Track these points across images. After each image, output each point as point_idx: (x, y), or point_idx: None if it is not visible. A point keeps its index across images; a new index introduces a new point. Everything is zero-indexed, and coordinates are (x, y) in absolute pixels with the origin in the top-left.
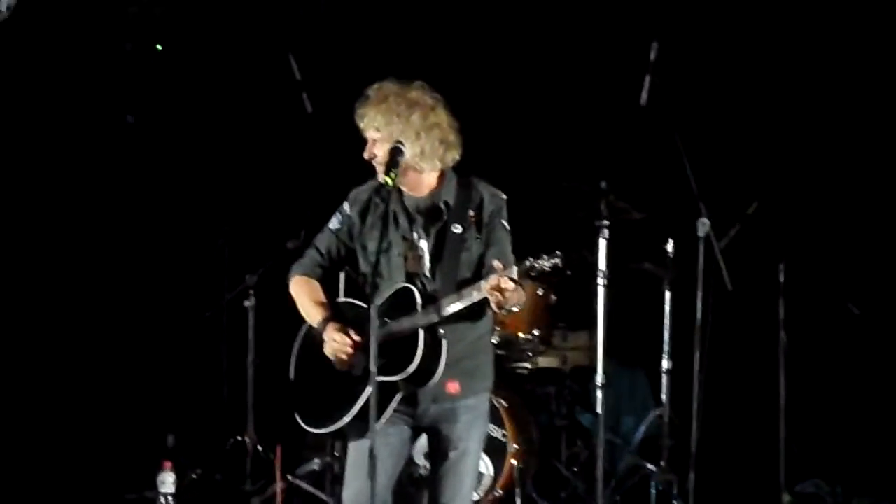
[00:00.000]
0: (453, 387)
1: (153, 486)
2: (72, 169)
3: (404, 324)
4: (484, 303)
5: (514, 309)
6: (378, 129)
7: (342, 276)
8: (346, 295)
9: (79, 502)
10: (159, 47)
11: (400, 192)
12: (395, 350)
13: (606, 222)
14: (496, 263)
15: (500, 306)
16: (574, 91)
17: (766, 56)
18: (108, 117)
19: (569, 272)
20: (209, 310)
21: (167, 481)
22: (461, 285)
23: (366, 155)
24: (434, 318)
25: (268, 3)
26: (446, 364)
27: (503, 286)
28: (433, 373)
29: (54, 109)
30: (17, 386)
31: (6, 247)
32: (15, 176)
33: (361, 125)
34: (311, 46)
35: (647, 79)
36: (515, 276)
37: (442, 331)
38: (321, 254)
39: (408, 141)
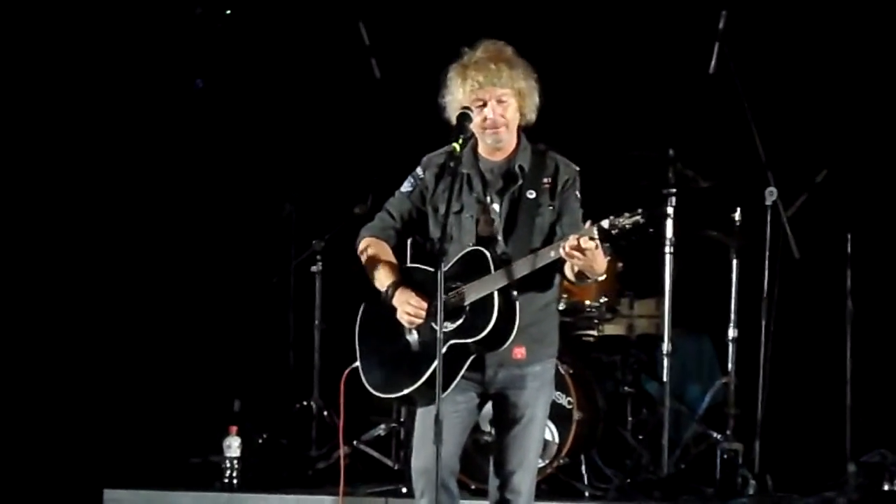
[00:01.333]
0: (520, 352)
1: (219, 451)
2: (143, 133)
3: (477, 287)
4: (554, 269)
5: (600, 278)
6: (514, 87)
7: (409, 242)
8: (413, 261)
9: (145, 466)
10: (229, 12)
11: (476, 155)
12: (469, 313)
13: (674, 190)
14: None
15: (580, 273)
16: (643, 59)
17: (835, 24)
18: (178, 82)
19: (651, 230)
20: (276, 275)
21: (233, 445)
22: (532, 251)
23: (489, 116)
24: (510, 280)
25: None
26: (517, 329)
27: (584, 245)
28: (507, 336)
29: (126, 73)
30: (88, 352)
31: (78, 213)
32: (87, 139)
33: (495, 83)
34: (381, 12)
35: (716, 47)
36: (596, 235)
37: (515, 293)
38: (392, 217)
39: (532, 97)
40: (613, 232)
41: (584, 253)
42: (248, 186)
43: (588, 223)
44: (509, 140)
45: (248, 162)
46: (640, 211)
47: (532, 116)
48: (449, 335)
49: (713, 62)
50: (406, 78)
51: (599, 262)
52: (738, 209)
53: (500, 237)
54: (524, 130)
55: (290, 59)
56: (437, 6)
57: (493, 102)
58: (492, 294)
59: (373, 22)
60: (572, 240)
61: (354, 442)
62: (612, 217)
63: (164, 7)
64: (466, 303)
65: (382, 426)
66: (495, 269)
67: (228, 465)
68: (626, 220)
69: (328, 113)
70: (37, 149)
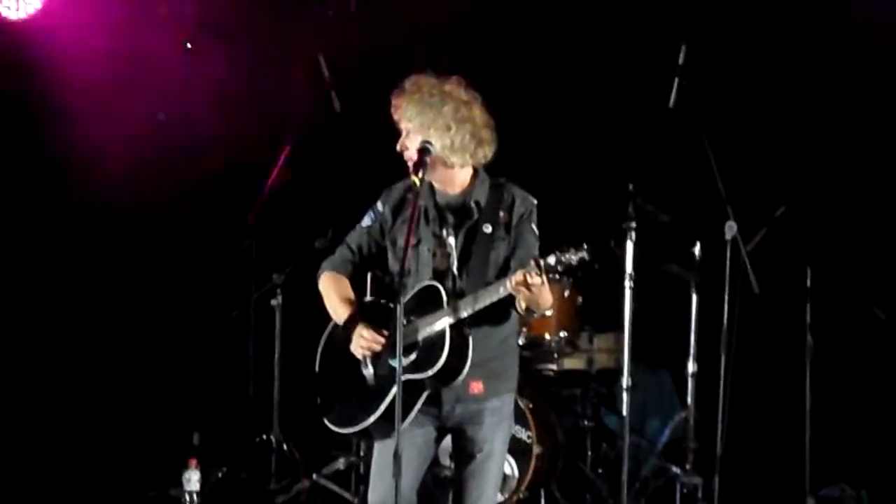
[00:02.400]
0: (477, 387)
1: (178, 484)
2: (101, 167)
3: (430, 321)
4: (509, 303)
5: (546, 313)
6: (410, 120)
7: (369, 277)
8: (373, 294)
9: (104, 499)
10: (189, 45)
11: (433, 189)
12: (422, 348)
13: (634, 224)
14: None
15: (528, 307)
16: (602, 93)
17: (794, 59)
18: (139, 115)
19: (596, 266)
20: (236, 308)
21: (192, 479)
22: (487, 285)
23: (398, 147)
24: (460, 316)
25: (298, 4)
26: (471, 364)
27: (530, 281)
28: (459, 371)
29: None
30: (43, 383)
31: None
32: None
33: (395, 116)
34: (341, 46)
35: (676, 81)
36: (542, 271)
37: (468, 329)
38: (352, 251)
39: (438, 132)
40: (559, 268)
41: (530, 288)
42: (209, 219)
43: (531, 259)
44: (450, 175)
45: (208, 194)
46: (585, 247)
47: (450, 155)
48: (403, 370)
49: (673, 96)
50: (367, 111)
51: (545, 297)
52: (698, 243)
53: (455, 271)
54: (484, 166)
55: (250, 92)
56: (396, 40)
57: (403, 134)
58: (444, 329)
59: (333, 56)
60: (518, 275)
61: (314, 476)
62: (557, 253)
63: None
64: (419, 338)
65: (342, 460)
66: (447, 304)
67: (188, 498)
68: (571, 256)
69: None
70: None
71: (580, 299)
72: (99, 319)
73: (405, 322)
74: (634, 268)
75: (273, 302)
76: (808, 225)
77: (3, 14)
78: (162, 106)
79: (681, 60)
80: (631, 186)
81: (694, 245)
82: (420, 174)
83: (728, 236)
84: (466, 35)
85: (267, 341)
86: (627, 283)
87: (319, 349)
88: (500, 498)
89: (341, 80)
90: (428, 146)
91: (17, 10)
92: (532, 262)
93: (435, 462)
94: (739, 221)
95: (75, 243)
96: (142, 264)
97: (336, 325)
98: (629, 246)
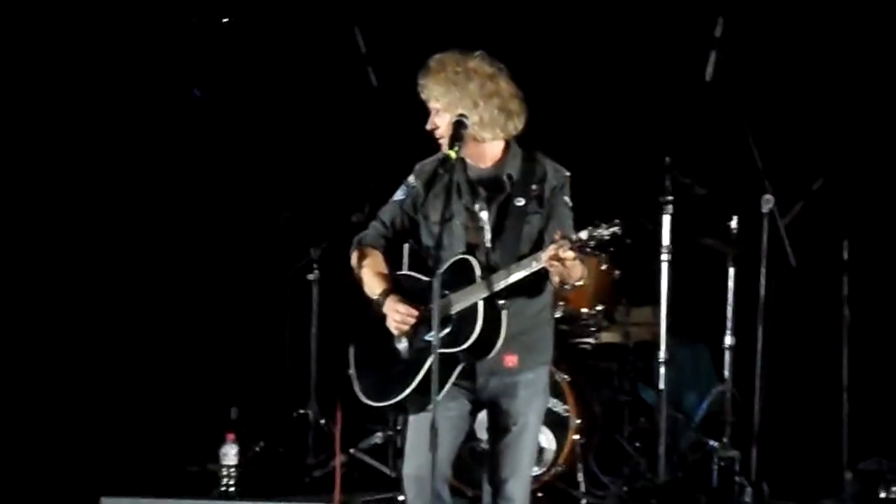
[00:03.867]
0: (511, 360)
1: (216, 459)
2: (141, 142)
3: (463, 295)
4: (544, 276)
5: (577, 283)
6: (437, 100)
7: (406, 248)
8: (410, 267)
9: (143, 474)
10: (226, 20)
11: (464, 163)
12: (455, 322)
13: (670, 198)
14: (555, 235)
15: (561, 280)
16: (639, 66)
17: (833, 31)
18: (176, 91)
19: (628, 241)
20: (273, 283)
21: (230, 454)
22: (521, 258)
23: (427, 126)
24: (493, 290)
25: None
26: (505, 337)
27: (562, 255)
28: (493, 344)
29: (124, 82)
30: (84, 358)
31: (74, 219)
32: (86, 147)
33: (423, 96)
34: (377, 19)
35: (713, 54)
36: (574, 246)
37: (502, 302)
38: (385, 225)
39: (467, 110)
40: (591, 243)
41: (563, 263)
42: (246, 194)
43: (558, 234)
44: (482, 149)
45: (246, 170)
46: (617, 222)
47: (480, 130)
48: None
49: (709, 69)
50: (403, 86)
51: (578, 271)
52: (735, 217)
53: (487, 245)
54: (517, 139)
55: (287, 67)
56: (433, 14)
57: (432, 113)
58: (477, 303)
59: (369, 29)
60: (551, 250)
61: (351, 450)
62: (590, 228)
63: (161, 16)
64: (452, 311)
65: (379, 434)
66: (481, 278)
67: (225, 473)
68: (604, 231)
69: (325, 121)
70: (32, 156)
71: (617, 273)
72: (137, 295)
73: (439, 295)
74: (671, 241)
75: (310, 276)
76: (845, 198)
77: None
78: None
79: (718, 33)
80: (668, 160)
81: (731, 218)
82: (455, 148)
83: (765, 209)
84: (500, 7)
85: (304, 316)
86: (664, 257)
87: (354, 324)
88: (536, 471)
89: (377, 53)
90: (463, 120)
91: None
92: (564, 238)
93: (471, 436)
94: (776, 194)
95: (113, 219)
96: (180, 240)
97: (370, 300)
98: (666, 219)
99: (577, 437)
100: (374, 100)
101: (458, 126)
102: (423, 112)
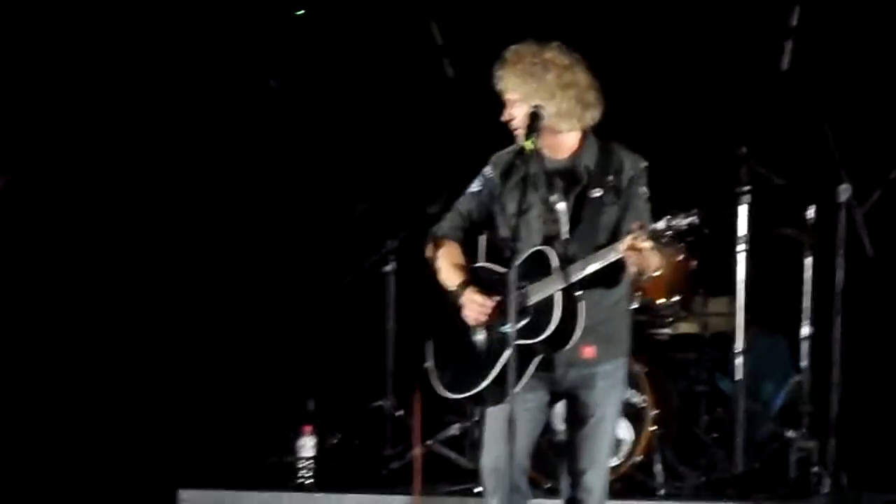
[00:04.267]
0: (589, 351)
1: (293, 451)
2: (219, 132)
3: (540, 286)
4: (621, 267)
5: (655, 273)
6: (514, 91)
7: (482, 240)
8: (486, 258)
9: (220, 466)
10: (301, 12)
11: (541, 154)
12: (533, 313)
13: (747, 188)
14: (633, 225)
15: (639, 270)
16: (715, 55)
17: None
18: (253, 81)
19: (706, 231)
20: (350, 274)
21: (307, 445)
22: (598, 250)
23: (503, 117)
24: (570, 281)
25: None
26: (583, 328)
27: (639, 246)
28: (571, 336)
29: (199, 73)
30: (166, 349)
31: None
32: (162, 136)
33: (499, 87)
34: (453, 11)
35: (789, 43)
36: (652, 235)
37: (579, 293)
38: (461, 216)
39: (543, 101)
40: (668, 232)
41: (641, 252)
42: (323, 186)
43: (635, 225)
44: (558, 140)
45: (323, 161)
46: (695, 211)
47: (557, 122)
48: (515, 335)
49: (785, 58)
50: (479, 77)
51: (655, 261)
52: (812, 206)
53: (564, 236)
54: (593, 129)
55: (363, 58)
56: (509, 5)
57: (508, 105)
58: (554, 294)
59: (445, 21)
60: (628, 240)
61: (428, 442)
62: (667, 217)
63: (238, 8)
64: (530, 303)
65: (456, 425)
66: (558, 269)
67: (302, 465)
68: (681, 221)
69: (401, 112)
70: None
71: (693, 263)
72: (220, 288)
73: (517, 287)
74: (748, 231)
75: (386, 268)
76: None
77: None
78: (274, 72)
79: (794, 21)
80: (744, 150)
81: (808, 208)
82: (532, 139)
83: (842, 199)
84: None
85: (380, 308)
86: (741, 247)
87: (431, 316)
88: (614, 462)
89: (453, 45)
90: (539, 111)
91: None
92: (641, 228)
93: (548, 427)
94: (853, 184)
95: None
96: (257, 232)
97: (448, 291)
98: (742, 209)
99: (654, 427)
100: (451, 91)
101: (535, 117)
102: (499, 103)
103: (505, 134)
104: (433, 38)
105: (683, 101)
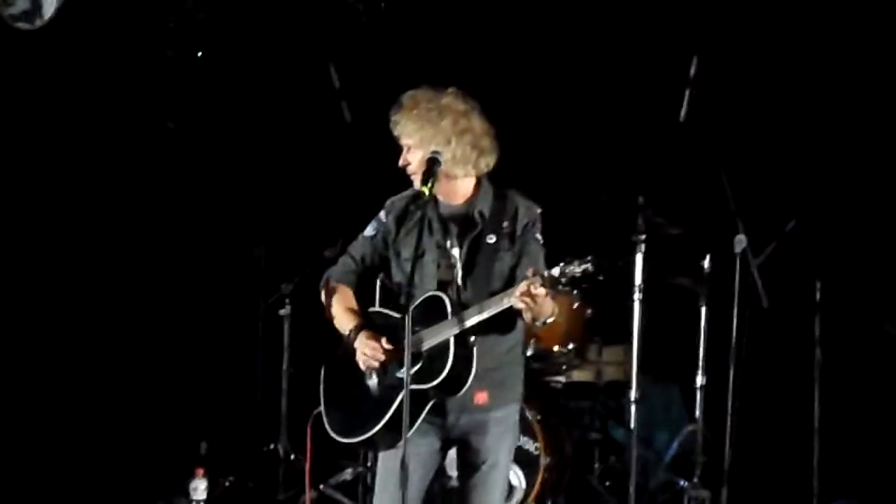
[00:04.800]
0: (482, 397)
1: (186, 493)
2: (111, 174)
3: (434, 332)
4: (515, 313)
5: (549, 320)
6: (410, 136)
7: (378, 284)
8: (381, 303)
9: None
10: (200, 54)
11: (436, 200)
12: (426, 359)
13: (643, 237)
14: (528, 272)
15: (533, 317)
16: (613, 105)
17: (806, 73)
18: (149, 123)
19: (600, 278)
20: (245, 317)
21: (199, 488)
22: (492, 295)
23: (400, 163)
24: (464, 327)
25: (308, 12)
26: (476, 374)
27: (534, 292)
28: (464, 381)
29: (94, 114)
30: (50, 389)
31: (43, 249)
32: (54, 179)
33: (395, 133)
34: (351, 55)
35: (687, 94)
36: (546, 282)
37: (473, 339)
38: (354, 261)
39: (439, 147)
40: (563, 279)
41: (535, 299)
42: (218, 228)
43: (530, 271)
44: (453, 186)
45: (218, 204)
46: (589, 259)
47: (452, 167)
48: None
49: (683, 109)
50: (376, 121)
51: (549, 307)
52: (708, 256)
53: (459, 282)
54: (489, 176)
55: (260, 101)
56: (408, 49)
57: (404, 149)
58: (448, 340)
59: (343, 65)
60: (523, 286)
61: (321, 486)
62: (561, 265)
63: (134, 49)
64: (423, 348)
65: (349, 470)
66: (452, 315)
67: None
68: (576, 268)
69: (299, 155)
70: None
71: (589, 311)
72: (107, 326)
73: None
74: (644, 280)
75: (282, 311)
76: (817, 239)
77: None
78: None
79: (692, 72)
80: (641, 199)
81: (704, 258)
82: (430, 184)
83: (738, 249)
84: (475, 44)
85: (275, 351)
86: (636, 296)
87: (325, 360)
88: None
89: (351, 89)
90: (437, 156)
91: None
92: (536, 274)
93: (441, 473)
94: (749, 235)
95: (83, 246)
96: (150, 271)
97: (340, 335)
98: (638, 258)
99: (547, 475)
100: (348, 135)
101: (432, 163)
102: (397, 148)
103: (401, 178)
104: (331, 81)
105: (582, 149)
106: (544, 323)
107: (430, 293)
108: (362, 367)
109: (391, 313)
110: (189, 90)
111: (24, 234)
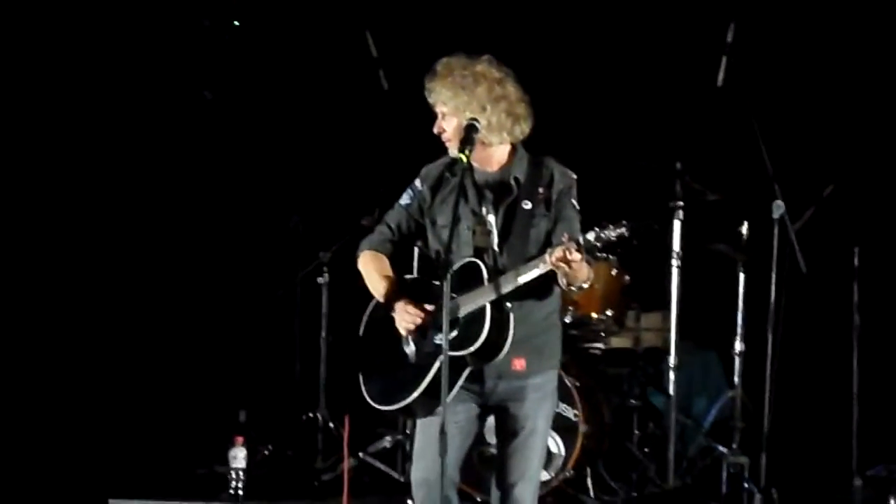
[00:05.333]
0: (519, 363)
1: (225, 462)
2: (151, 144)
3: (471, 298)
4: (551, 279)
5: (584, 286)
6: (445, 104)
7: (416, 252)
8: (419, 270)
9: (152, 476)
10: (237, 23)
11: (471, 167)
12: (463, 325)
13: (681, 203)
14: (563, 237)
15: (568, 282)
16: (651, 71)
17: (844, 37)
18: (187, 93)
19: (635, 242)
20: (283, 286)
21: (238, 456)
22: (528, 261)
23: (435, 129)
24: (500, 293)
25: None
26: (513, 341)
27: (569, 258)
28: (500, 348)
29: (135, 85)
30: (96, 358)
31: (83, 223)
32: (94, 148)
33: (430, 100)
34: (388, 23)
35: (724, 59)
36: (581, 247)
37: (509, 305)
38: (391, 229)
39: (474, 114)
40: (598, 244)
41: (570, 264)
42: (256, 198)
43: (565, 236)
44: (488, 153)
45: (256, 173)
46: (624, 223)
47: (488, 135)
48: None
49: (721, 75)
50: (413, 89)
51: (585, 272)
52: (746, 223)
53: (495, 248)
54: (524, 142)
55: (297, 70)
56: (444, 17)
57: (439, 116)
58: (484, 306)
59: (380, 33)
60: (558, 251)
61: (360, 454)
62: (596, 229)
63: (172, 19)
64: (460, 315)
65: (388, 438)
66: (488, 281)
67: (234, 476)
68: (611, 233)
69: (336, 124)
70: (41, 159)
71: (627, 278)
72: (148, 297)
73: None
74: (682, 246)
75: (320, 280)
76: (856, 204)
77: None
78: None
79: (729, 38)
80: (679, 165)
81: (741, 224)
82: (467, 151)
83: (776, 215)
84: (512, 11)
85: (313, 319)
86: (674, 262)
87: (362, 327)
88: (546, 476)
89: (388, 57)
90: (475, 123)
91: None
92: (571, 239)
93: (480, 440)
94: (787, 200)
95: (122, 217)
96: (190, 243)
97: (378, 303)
98: (676, 225)
99: (585, 442)
100: (385, 103)
101: (470, 129)
102: (433, 115)
103: (438, 146)
104: (369, 49)
105: (619, 115)
106: (580, 288)
107: (467, 259)
108: (402, 332)
109: (428, 280)
110: (226, 60)
111: (65, 212)
